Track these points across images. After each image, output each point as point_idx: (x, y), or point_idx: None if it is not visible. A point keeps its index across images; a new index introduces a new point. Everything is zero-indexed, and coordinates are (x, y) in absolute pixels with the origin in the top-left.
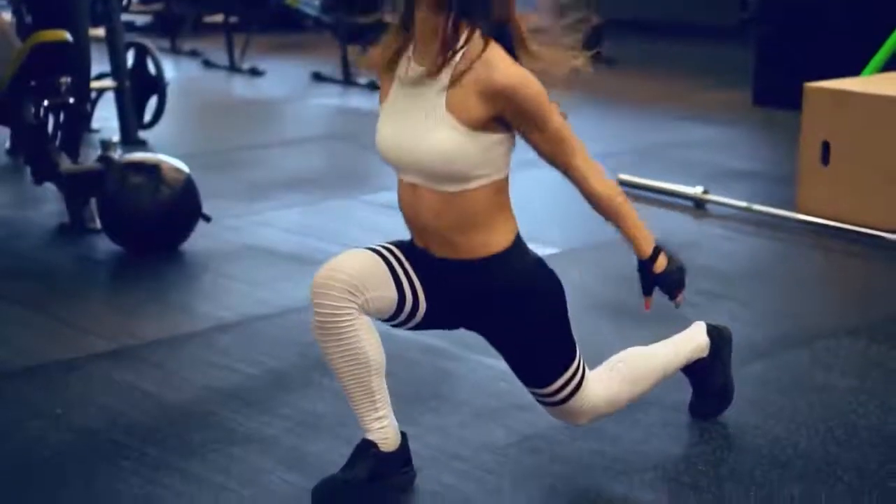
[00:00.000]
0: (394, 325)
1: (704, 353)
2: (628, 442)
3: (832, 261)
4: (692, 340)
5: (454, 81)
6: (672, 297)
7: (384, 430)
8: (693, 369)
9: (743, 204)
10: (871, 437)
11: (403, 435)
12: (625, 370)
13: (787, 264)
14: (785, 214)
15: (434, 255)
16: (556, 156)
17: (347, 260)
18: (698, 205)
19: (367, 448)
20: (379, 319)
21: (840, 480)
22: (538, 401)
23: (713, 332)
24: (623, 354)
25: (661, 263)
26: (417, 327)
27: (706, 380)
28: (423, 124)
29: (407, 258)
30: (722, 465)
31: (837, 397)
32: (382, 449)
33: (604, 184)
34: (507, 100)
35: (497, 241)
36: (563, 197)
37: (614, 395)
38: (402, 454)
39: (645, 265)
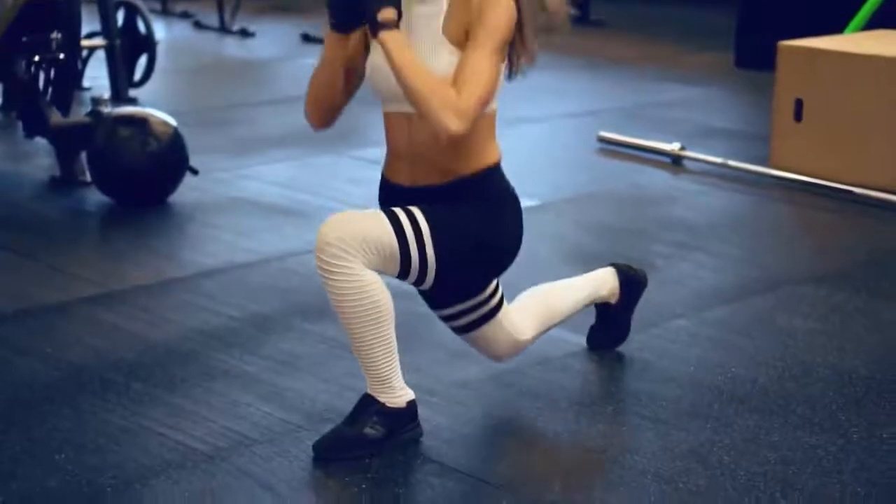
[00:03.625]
0: None
1: (614, 299)
2: (594, 378)
3: (802, 214)
4: (605, 283)
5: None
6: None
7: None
8: (601, 307)
9: (718, 160)
10: (826, 375)
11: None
12: (534, 308)
13: (759, 217)
14: (759, 170)
15: (407, 188)
16: (455, 79)
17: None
18: (675, 161)
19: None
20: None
21: (794, 413)
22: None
23: (626, 276)
24: (534, 291)
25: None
26: None
27: (612, 318)
28: (419, 51)
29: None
30: (682, 400)
31: (797, 339)
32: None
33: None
34: (478, 4)
35: (485, 160)
36: (544, 151)
37: (529, 327)
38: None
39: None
